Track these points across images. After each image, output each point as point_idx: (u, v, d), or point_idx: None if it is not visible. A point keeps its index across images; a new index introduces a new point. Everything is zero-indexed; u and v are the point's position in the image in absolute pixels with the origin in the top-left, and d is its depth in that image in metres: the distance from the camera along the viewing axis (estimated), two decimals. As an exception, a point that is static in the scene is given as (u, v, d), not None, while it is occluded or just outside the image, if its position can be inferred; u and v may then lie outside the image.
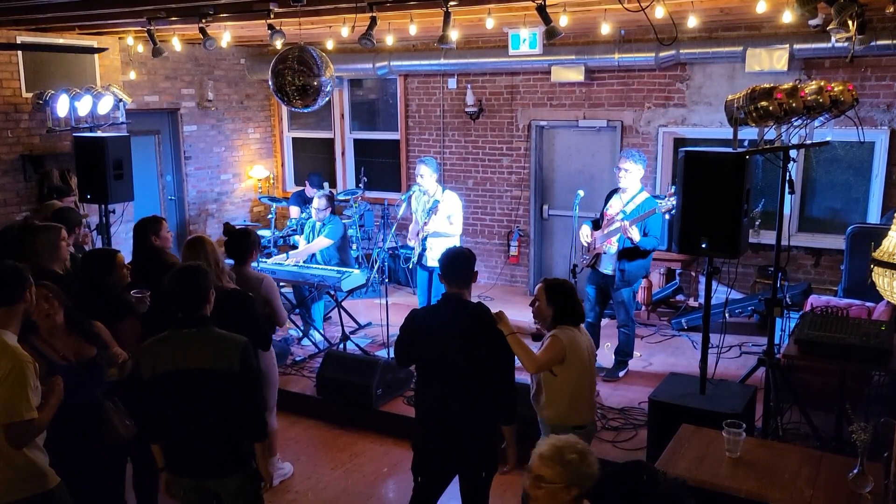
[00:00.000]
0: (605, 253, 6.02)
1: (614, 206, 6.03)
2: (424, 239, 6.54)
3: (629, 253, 5.88)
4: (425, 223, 6.46)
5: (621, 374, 6.26)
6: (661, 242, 7.17)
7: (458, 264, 3.67)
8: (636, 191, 5.99)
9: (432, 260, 6.54)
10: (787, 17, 5.22)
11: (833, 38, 5.07)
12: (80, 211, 6.79)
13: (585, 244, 6.17)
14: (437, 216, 6.44)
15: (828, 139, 5.68)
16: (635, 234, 5.74)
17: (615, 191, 6.13)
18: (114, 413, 3.59)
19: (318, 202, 7.09)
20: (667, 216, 6.03)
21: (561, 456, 2.50)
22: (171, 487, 3.38)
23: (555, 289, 3.82)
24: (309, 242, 7.19)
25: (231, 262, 4.78)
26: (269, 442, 4.86)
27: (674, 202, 5.63)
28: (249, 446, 3.34)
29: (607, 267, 6.03)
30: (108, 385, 3.62)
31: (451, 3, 5.03)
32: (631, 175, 5.93)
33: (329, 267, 6.92)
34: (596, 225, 6.16)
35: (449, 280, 3.67)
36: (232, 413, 3.23)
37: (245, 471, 3.34)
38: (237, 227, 4.88)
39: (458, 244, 6.51)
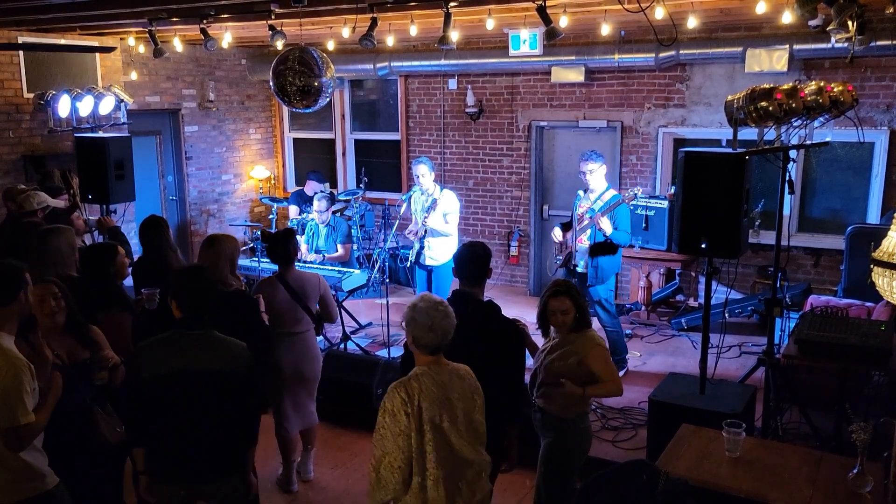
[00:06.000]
0: (577, 251, 6.12)
1: (583, 206, 6.17)
2: (423, 238, 6.57)
3: (600, 248, 5.98)
4: (425, 218, 6.50)
5: (621, 373, 6.27)
6: (654, 240, 7.31)
7: (472, 262, 3.65)
8: (603, 189, 6.13)
9: (431, 259, 6.57)
10: (787, 17, 5.24)
11: (833, 39, 5.07)
12: (83, 211, 6.81)
13: (557, 243, 6.28)
14: (435, 213, 6.47)
15: (827, 140, 5.69)
16: (607, 226, 5.87)
17: (585, 191, 6.25)
18: (102, 418, 3.56)
19: (319, 204, 7.09)
20: (635, 206, 6.10)
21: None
22: (155, 493, 3.27)
23: (574, 290, 3.76)
24: (309, 243, 7.20)
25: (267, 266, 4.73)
26: (310, 436, 4.92)
27: (638, 191, 5.97)
28: (244, 451, 3.32)
29: (580, 263, 6.12)
30: (99, 390, 3.58)
31: (452, 4, 5.04)
32: (595, 175, 6.10)
33: (330, 267, 6.93)
34: (567, 227, 6.27)
35: (461, 277, 3.66)
36: (231, 416, 3.21)
37: (238, 476, 3.30)
38: (275, 231, 4.84)
39: (456, 243, 6.53)
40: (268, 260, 7.17)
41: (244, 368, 3.22)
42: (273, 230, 8.75)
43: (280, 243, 4.64)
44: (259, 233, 8.66)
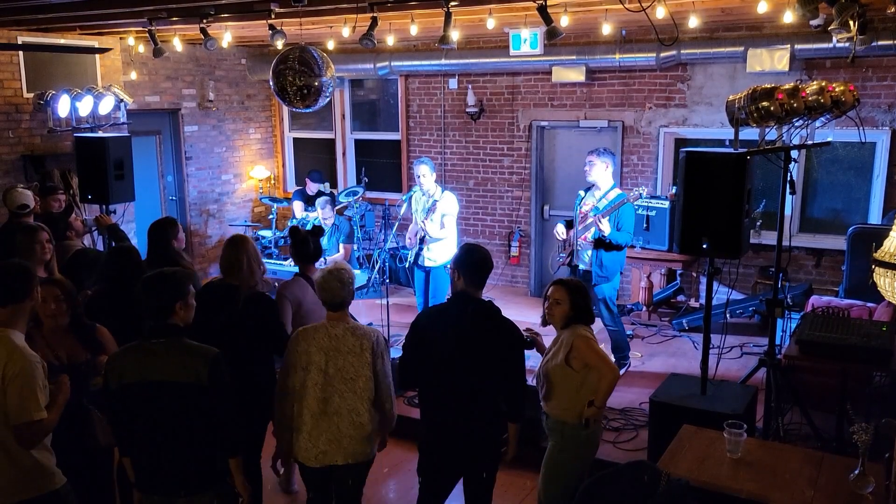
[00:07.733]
0: (580, 249, 6.10)
1: (588, 203, 6.14)
2: (422, 239, 6.56)
3: (603, 245, 5.95)
4: (424, 220, 6.49)
5: (621, 372, 6.26)
6: (655, 240, 7.29)
7: (476, 266, 3.62)
8: (608, 187, 6.09)
9: (429, 260, 6.56)
10: (789, 17, 5.22)
11: (834, 39, 5.07)
12: (81, 211, 6.80)
13: (561, 241, 6.26)
14: (434, 215, 6.46)
15: (829, 140, 5.68)
16: (606, 227, 5.84)
17: (587, 189, 6.23)
18: (98, 420, 3.54)
19: (323, 212, 7.09)
20: (637, 206, 6.07)
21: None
22: None
23: (577, 289, 3.75)
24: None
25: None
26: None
27: (643, 191, 5.94)
28: (224, 462, 3.20)
29: (584, 261, 6.09)
30: (95, 393, 3.54)
31: (452, 4, 5.03)
32: (596, 168, 6.04)
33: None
34: (570, 225, 6.26)
35: (464, 276, 3.62)
36: (202, 428, 3.10)
37: (218, 488, 3.20)
38: (302, 229, 4.79)
39: (454, 243, 6.52)
40: (266, 259, 7.18)
41: (209, 377, 3.06)
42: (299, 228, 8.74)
43: (313, 240, 4.62)
44: (257, 232, 8.69)
